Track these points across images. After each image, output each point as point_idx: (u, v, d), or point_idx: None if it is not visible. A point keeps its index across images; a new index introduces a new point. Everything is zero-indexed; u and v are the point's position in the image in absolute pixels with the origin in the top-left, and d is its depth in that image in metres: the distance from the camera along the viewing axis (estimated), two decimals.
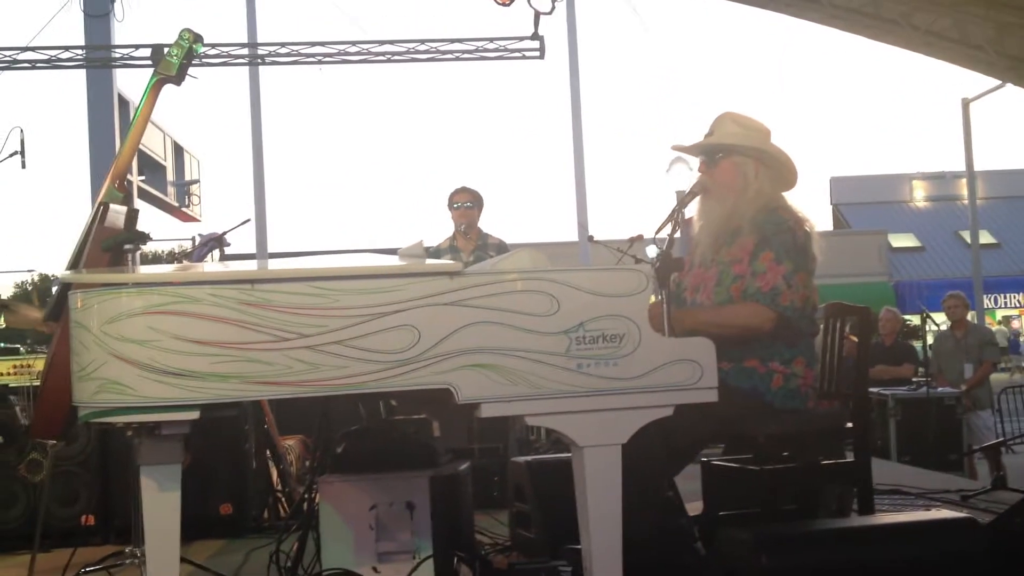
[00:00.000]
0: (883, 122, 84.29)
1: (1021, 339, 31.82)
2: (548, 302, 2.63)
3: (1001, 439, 7.78)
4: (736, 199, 3.37)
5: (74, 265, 3.43)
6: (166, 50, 3.70)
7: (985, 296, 24.50)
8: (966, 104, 21.13)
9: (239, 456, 5.25)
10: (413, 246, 3.09)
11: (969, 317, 9.56)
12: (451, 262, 2.70)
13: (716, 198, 3.42)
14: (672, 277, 3.15)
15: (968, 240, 25.41)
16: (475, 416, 2.67)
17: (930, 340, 9.24)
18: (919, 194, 38.04)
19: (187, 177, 15.39)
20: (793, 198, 3.46)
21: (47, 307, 3.68)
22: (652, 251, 8.22)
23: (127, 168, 3.75)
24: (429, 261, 2.96)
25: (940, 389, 8.42)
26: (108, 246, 3.28)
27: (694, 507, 3.61)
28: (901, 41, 15.17)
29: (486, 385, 2.58)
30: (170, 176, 14.74)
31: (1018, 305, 32.79)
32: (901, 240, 33.94)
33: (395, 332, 2.54)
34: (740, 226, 3.34)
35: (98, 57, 11.56)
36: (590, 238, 8.30)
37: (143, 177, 13.31)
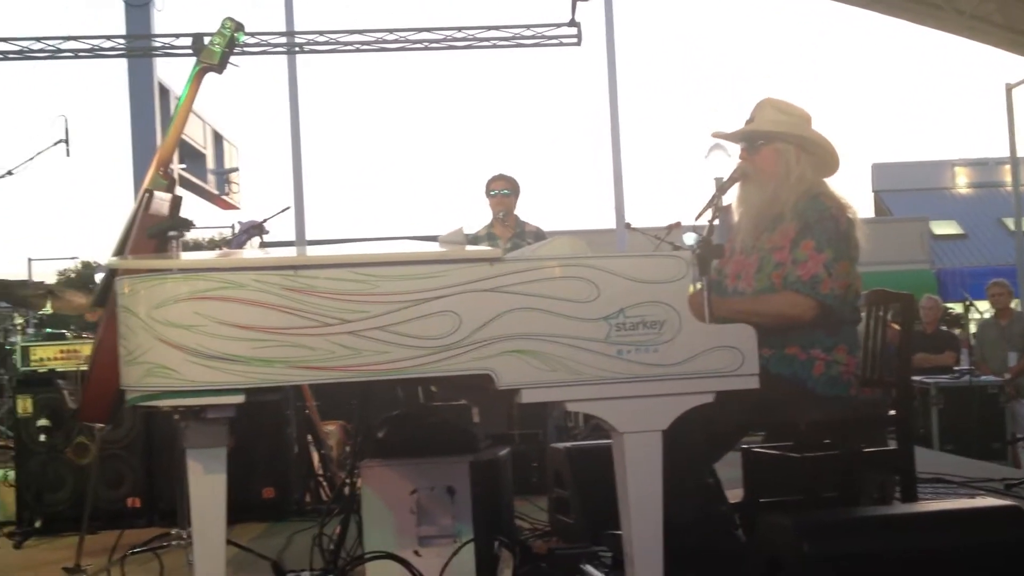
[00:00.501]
0: (925, 108, 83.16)
1: None
2: (588, 288, 2.62)
3: None
4: (777, 185, 3.35)
5: (120, 251, 3.48)
6: (208, 39, 3.75)
7: None
8: (1009, 89, 20.67)
9: (281, 441, 5.31)
10: (454, 232, 3.10)
11: (1013, 305, 9.43)
12: (491, 248, 2.70)
13: (757, 184, 3.40)
14: (713, 264, 3.14)
15: (1011, 227, 24.95)
16: (515, 402, 2.68)
17: (973, 328, 9.14)
18: (961, 181, 37.49)
19: (227, 165, 15.45)
20: (835, 184, 3.44)
21: (93, 293, 3.74)
22: (690, 238, 8.19)
23: (171, 156, 3.81)
24: (469, 248, 2.97)
25: (983, 377, 8.35)
26: (153, 233, 3.33)
27: (735, 494, 3.61)
28: (944, 25, 14.98)
29: (526, 371, 2.58)
30: (210, 164, 14.80)
31: None
32: (943, 227, 33.48)
33: (436, 318, 2.55)
34: (782, 212, 3.32)
35: (139, 46, 11.67)
36: (627, 225, 8.29)
37: (183, 165, 13.39)
